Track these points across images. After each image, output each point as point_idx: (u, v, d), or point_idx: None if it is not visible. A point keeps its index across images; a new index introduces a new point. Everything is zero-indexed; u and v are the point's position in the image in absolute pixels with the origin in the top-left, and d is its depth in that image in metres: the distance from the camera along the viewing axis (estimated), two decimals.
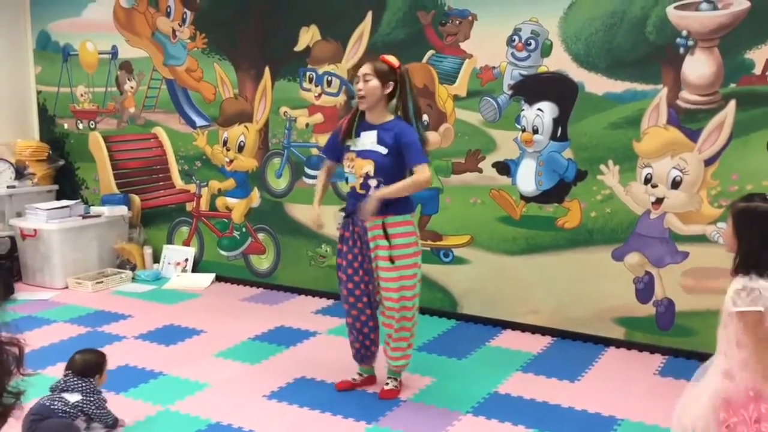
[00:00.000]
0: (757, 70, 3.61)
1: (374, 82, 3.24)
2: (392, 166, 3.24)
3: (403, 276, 3.31)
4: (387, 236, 3.27)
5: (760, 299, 2.23)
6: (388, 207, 3.25)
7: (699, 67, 3.74)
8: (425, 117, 4.54)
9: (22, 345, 2.57)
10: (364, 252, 3.37)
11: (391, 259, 3.27)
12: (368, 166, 3.25)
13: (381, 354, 3.54)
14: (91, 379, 3.02)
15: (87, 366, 3.04)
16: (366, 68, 3.28)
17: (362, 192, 3.28)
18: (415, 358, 3.91)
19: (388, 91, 3.28)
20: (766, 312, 2.24)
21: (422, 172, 3.18)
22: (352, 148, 3.32)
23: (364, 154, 3.28)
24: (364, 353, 3.54)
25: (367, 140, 3.28)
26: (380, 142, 3.25)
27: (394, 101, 3.31)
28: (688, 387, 2.44)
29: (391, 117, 3.31)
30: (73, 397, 2.92)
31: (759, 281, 2.25)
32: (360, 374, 3.59)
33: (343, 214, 3.49)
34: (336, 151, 3.45)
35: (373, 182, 3.26)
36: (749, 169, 3.67)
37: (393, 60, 3.31)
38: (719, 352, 2.37)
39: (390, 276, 3.30)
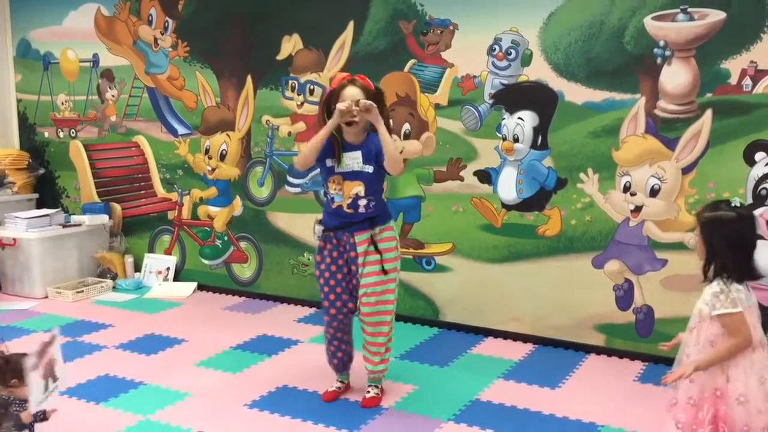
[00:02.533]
0: (733, 80, 3.67)
1: None
2: (379, 181, 3.32)
3: (387, 280, 3.37)
4: (377, 249, 3.33)
5: (738, 301, 2.29)
6: (375, 220, 3.33)
7: (676, 76, 3.79)
8: (407, 126, 4.57)
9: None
10: (347, 264, 3.40)
11: (385, 271, 3.33)
12: (357, 188, 3.28)
13: (358, 363, 3.54)
14: None
15: None
16: (357, 92, 3.20)
17: (350, 211, 3.31)
18: (397, 366, 3.92)
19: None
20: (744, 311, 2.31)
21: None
22: (337, 171, 3.29)
23: (351, 176, 3.28)
24: (346, 361, 3.57)
25: (353, 162, 3.27)
26: (366, 161, 3.27)
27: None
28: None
29: (365, 134, 3.31)
30: None
31: (733, 284, 2.31)
32: (342, 382, 3.61)
33: (319, 226, 3.51)
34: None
35: (363, 201, 3.29)
36: (726, 177, 3.72)
37: (370, 82, 3.31)
38: (687, 355, 2.42)
39: (377, 281, 3.34)
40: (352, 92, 3.21)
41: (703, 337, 2.36)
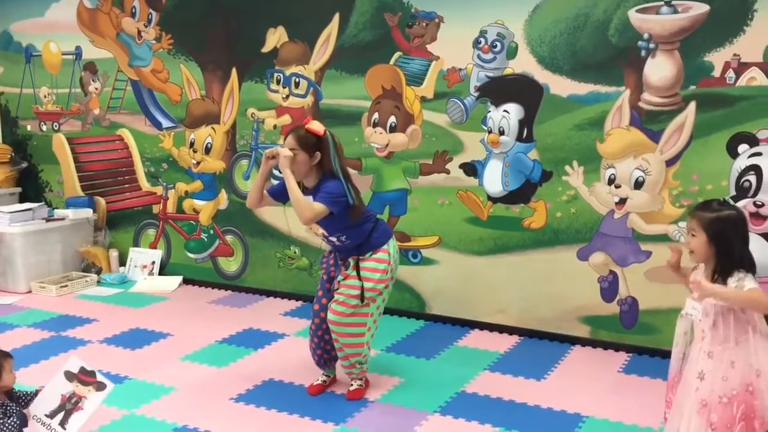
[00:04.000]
0: (716, 73, 3.69)
1: (301, 156, 3.18)
2: (340, 219, 3.24)
3: (361, 312, 3.36)
4: (359, 274, 3.33)
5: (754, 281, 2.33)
6: (361, 247, 3.34)
7: (660, 69, 3.81)
8: (392, 119, 4.56)
9: None
10: (336, 273, 3.45)
11: (362, 298, 3.31)
12: (320, 230, 3.39)
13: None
14: None
15: None
16: (291, 142, 3.19)
17: (331, 242, 3.41)
18: (383, 359, 3.93)
19: (317, 161, 3.22)
20: None
21: (313, 206, 3.16)
22: None
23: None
24: (327, 359, 3.56)
25: None
26: None
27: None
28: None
29: (317, 180, 3.26)
30: None
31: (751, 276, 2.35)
32: (327, 375, 3.62)
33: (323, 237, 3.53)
34: (280, 197, 3.42)
35: (333, 238, 3.35)
36: (709, 169, 3.75)
37: (318, 128, 3.23)
38: (702, 350, 2.43)
39: (348, 302, 3.33)
40: (287, 141, 3.23)
41: (720, 329, 2.39)
